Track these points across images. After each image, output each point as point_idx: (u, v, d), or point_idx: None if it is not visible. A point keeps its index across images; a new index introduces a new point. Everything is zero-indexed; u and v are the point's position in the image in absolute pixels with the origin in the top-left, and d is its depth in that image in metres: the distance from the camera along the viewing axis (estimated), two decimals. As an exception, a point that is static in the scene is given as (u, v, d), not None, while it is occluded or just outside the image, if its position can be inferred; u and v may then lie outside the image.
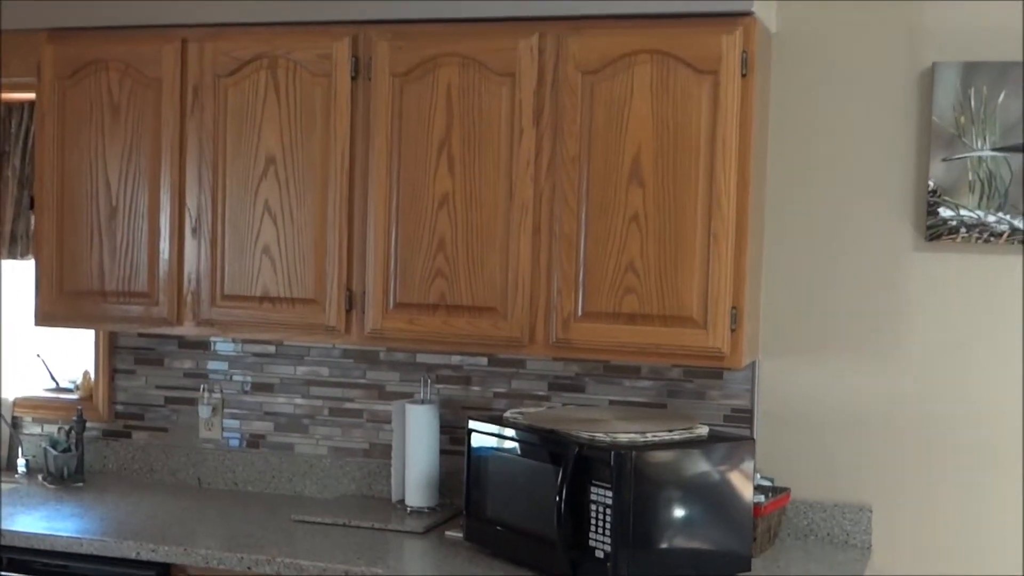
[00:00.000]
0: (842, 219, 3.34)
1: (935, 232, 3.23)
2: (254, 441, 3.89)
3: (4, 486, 3.89)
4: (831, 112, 3.34)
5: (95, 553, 3.24)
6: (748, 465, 2.99)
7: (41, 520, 3.44)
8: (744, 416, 3.40)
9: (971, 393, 3.25)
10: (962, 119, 3.19)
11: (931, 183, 3.23)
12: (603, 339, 3.13)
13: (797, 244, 3.37)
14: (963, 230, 3.21)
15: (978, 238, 3.20)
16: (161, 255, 3.54)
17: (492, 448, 3.15)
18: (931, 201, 3.23)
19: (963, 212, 3.21)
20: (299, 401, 3.84)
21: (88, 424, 3.96)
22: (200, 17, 3.46)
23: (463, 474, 3.23)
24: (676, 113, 3.04)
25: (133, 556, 3.20)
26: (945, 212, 3.22)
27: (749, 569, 2.98)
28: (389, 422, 3.66)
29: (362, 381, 3.77)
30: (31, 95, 3.82)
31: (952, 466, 3.26)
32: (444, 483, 3.55)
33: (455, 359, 3.67)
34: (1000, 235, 3.19)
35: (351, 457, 3.79)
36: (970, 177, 3.20)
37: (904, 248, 3.29)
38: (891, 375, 3.30)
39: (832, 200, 3.34)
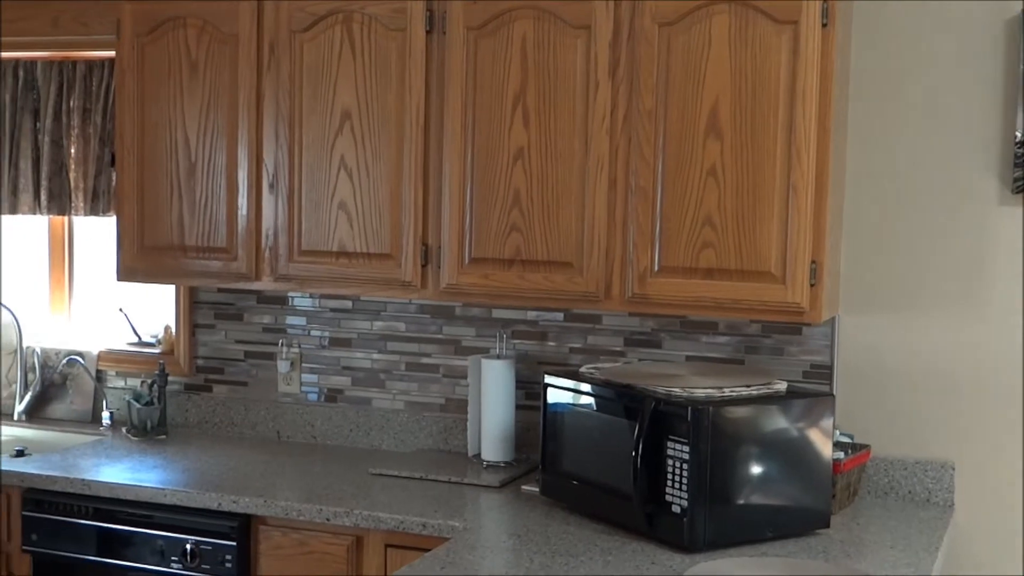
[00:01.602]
0: (925, 171, 3.27)
1: (1022, 185, 3.15)
2: (332, 395, 3.93)
3: (89, 438, 3.98)
4: (915, 62, 3.26)
5: (178, 504, 3.30)
6: (827, 421, 2.96)
7: (126, 471, 3.52)
8: (824, 372, 3.36)
9: (1058, 349, 3.19)
10: (1052, 68, 3.11)
11: (1018, 134, 3.14)
12: (680, 294, 3.11)
13: (879, 196, 3.31)
14: (1051, 182, 3.14)
15: (1067, 190, 3.13)
16: (239, 211, 3.57)
17: (568, 403, 3.15)
18: (1018, 153, 3.14)
19: (1052, 164, 3.13)
20: (376, 356, 3.87)
21: (170, 378, 4.03)
22: (276, -28, 3.48)
23: (539, 429, 3.23)
24: (755, 65, 2.99)
25: (215, 507, 3.25)
26: (1033, 164, 3.14)
27: (828, 526, 2.96)
28: (465, 377, 3.68)
29: (438, 336, 3.79)
30: (111, 53, 3.87)
31: (1037, 423, 3.21)
32: (520, 438, 3.56)
33: (531, 314, 3.67)
34: (1090, 187, 3.11)
35: (428, 412, 3.81)
36: (1059, 128, 3.12)
37: (989, 201, 3.22)
38: (974, 330, 3.24)
39: (915, 152, 3.28)
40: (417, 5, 3.31)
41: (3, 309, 4.25)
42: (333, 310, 3.91)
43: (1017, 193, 3.16)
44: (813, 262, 2.98)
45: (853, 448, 3.20)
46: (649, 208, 3.12)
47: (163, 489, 3.33)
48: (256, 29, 3.50)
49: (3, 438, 4.12)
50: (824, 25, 2.94)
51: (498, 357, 3.56)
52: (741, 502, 2.84)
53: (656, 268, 3.13)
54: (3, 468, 3.52)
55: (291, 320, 3.97)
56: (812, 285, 2.99)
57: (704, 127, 3.04)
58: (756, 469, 2.85)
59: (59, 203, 4.21)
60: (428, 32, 3.32)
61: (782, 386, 2.98)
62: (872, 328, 3.33)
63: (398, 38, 3.35)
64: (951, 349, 3.26)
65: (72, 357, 4.20)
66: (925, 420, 3.29)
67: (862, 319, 3.33)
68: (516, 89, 3.23)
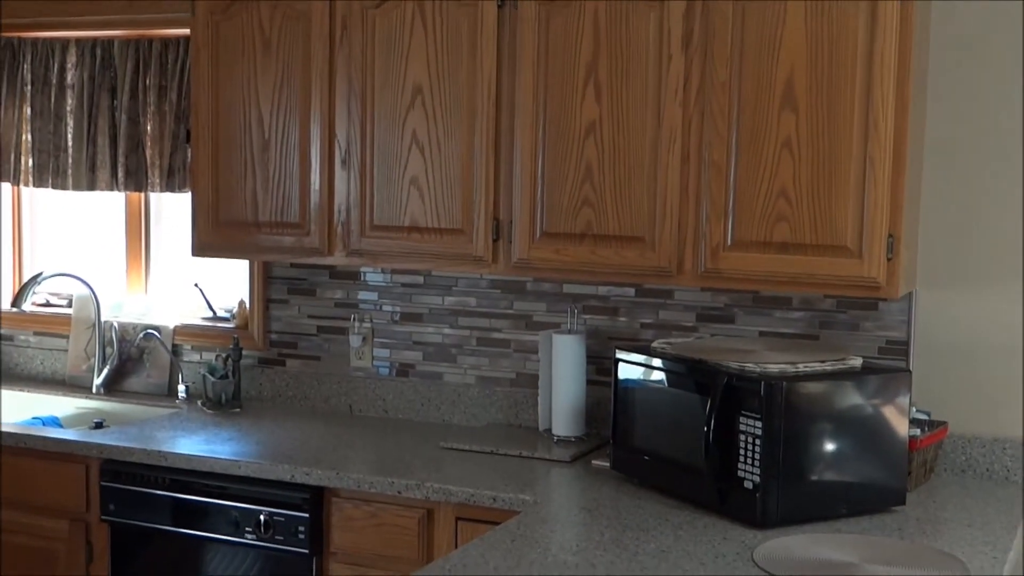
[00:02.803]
0: (1006, 144, 3.19)
1: (1107, 157, 3.07)
2: (403, 370, 3.94)
3: (165, 410, 4.03)
4: (998, 30, 3.18)
5: (252, 475, 3.33)
6: (903, 398, 2.90)
7: (201, 443, 3.55)
8: (900, 348, 3.31)
9: None
10: None
11: (1104, 105, 3.06)
12: (753, 268, 3.07)
13: (959, 169, 3.24)
14: None
15: None
16: (312, 186, 3.59)
17: (639, 378, 3.13)
18: (1104, 124, 3.06)
19: None
20: (447, 331, 3.87)
21: (244, 352, 4.07)
22: (348, -52, 3.48)
23: (610, 404, 3.21)
24: (831, 34, 2.93)
25: (288, 479, 3.28)
26: (1119, 135, 3.05)
27: (903, 504, 2.91)
28: (536, 352, 3.67)
29: (509, 311, 3.78)
30: (186, 31, 3.89)
31: (1121, 402, 3.13)
32: (590, 413, 3.55)
33: (602, 290, 3.65)
34: None
35: (498, 387, 3.81)
36: None
37: (1073, 174, 3.15)
38: (1057, 306, 3.17)
39: (997, 123, 3.20)
40: (489, -21, 3.30)
41: (82, 284, 4.30)
42: (404, 285, 3.92)
43: (1102, 166, 3.08)
44: (890, 236, 2.93)
45: (930, 425, 3.14)
46: (722, 181, 3.08)
47: (237, 461, 3.36)
48: (328, 5, 3.51)
49: (82, 410, 4.20)
50: (904, -7, 2.88)
51: (569, 332, 3.54)
52: (814, 478, 2.81)
53: (729, 242, 3.09)
54: (82, 440, 3.58)
55: (363, 295, 3.98)
56: (889, 259, 2.93)
57: (779, 98, 3.00)
58: (830, 445, 2.81)
59: (136, 179, 4.25)
60: (500, 6, 3.30)
61: (857, 362, 2.94)
62: (951, 303, 3.26)
63: (470, 12, 3.33)
64: (1032, 325, 3.19)
65: (149, 331, 4.26)
66: (1005, 397, 3.22)
67: (940, 294, 3.27)
68: (588, 62, 3.20)
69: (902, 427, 2.90)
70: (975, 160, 3.23)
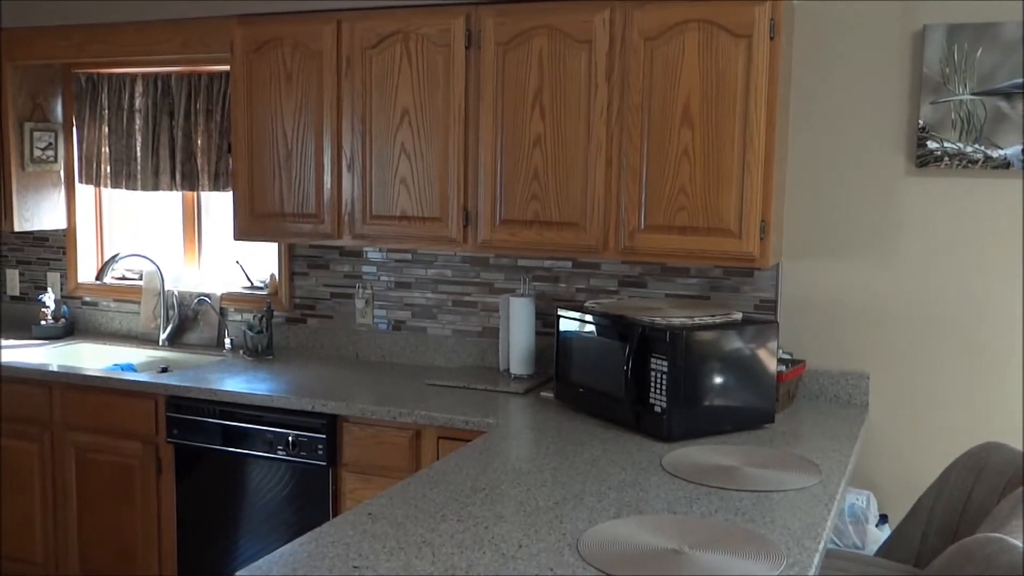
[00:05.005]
0: (850, 150, 3.20)
1: (923, 160, 3.08)
2: (397, 325, 3.91)
3: (215, 358, 3.98)
4: (842, 66, 3.19)
5: (281, 406, 3.29)
6: (773, 343, 2.91)
7: (242, 382, 3.51)
8: (770, 305, 3.32)
9: (949, 286, 3.13)
10: (947, 70, 3.02)
11: (921, 121, 3.07)
12: (660, 246, 3.06)
13: (814, 170, 3.24)
14: (946, 159, 3.06)
15: (958, 165, 3.05)
16: (325, 186, 3.53)
17: (575, 330, 3.11)
18: (920, 136, 3.08)
19: (946, 144, 3.05)
20: (429, 295, 3.84)
21: (275, 313, 4.02)
22: (351, 3, 3.41)
23: (553, 349, 3.20)
24: (718, 69, 2.92)
25: (309, 408, 3.25)
26: (932, 144, 3.07)
27: (773, 421, 2.93)
28: (497, 311, 3.65)
29: (476, 280, 3.76)
30: (227, 67, 3.82)
31: (931, 342, 3.16)
32: (539, 357, 3.54)
33: (547, 263, 3.63)
34: (976, 162, 3.03)
35: (469, 337, 3.79)
36: (952, 116, 3.03)
37: (899, 173, 3.15)
38: (887, 272, 3.19)
39: (842, 135, 3.21)
40: (459, 27, 3.25)
41: (149, 262, 4.24)
42: (397, 260, 3.88)
43: (920, 167, 3.09)
44: (763, 221, 2.93)
45: (792, 363, 3.16)
46: (637, 181, 3.06)
47: (271, 395, 3.32)
48: (336, 46, 3.45)
49: (151, 358, 4.14)
50: (772, 37, 2.87)
51: (522, 295, 3.52)
52: (706, 403, 2.81)
53: (642, 226, 3.08)
54: (152, 381, 3.53)
55: (365, 268, 3.94)
56: (762, 239, 2.94)
57: (679, 118, 2.98)
58: (718, 379, 2.82)
59: (190, 181, 4.19)
60: (467, 47, 3.26)
61: (738, 316, 2.94)
62: (808, 271, 3.27)
63: (444, 52, 3.29)
64: (868, 287, 3.21)
65: (201, 298, 4.20)
66: (848, 341, 3.24)
67: (800, 264, 3.28)
68: (535, 90, 3.17)
69: (771, 364, 2.91)
70: (827, 162, 3.23)
